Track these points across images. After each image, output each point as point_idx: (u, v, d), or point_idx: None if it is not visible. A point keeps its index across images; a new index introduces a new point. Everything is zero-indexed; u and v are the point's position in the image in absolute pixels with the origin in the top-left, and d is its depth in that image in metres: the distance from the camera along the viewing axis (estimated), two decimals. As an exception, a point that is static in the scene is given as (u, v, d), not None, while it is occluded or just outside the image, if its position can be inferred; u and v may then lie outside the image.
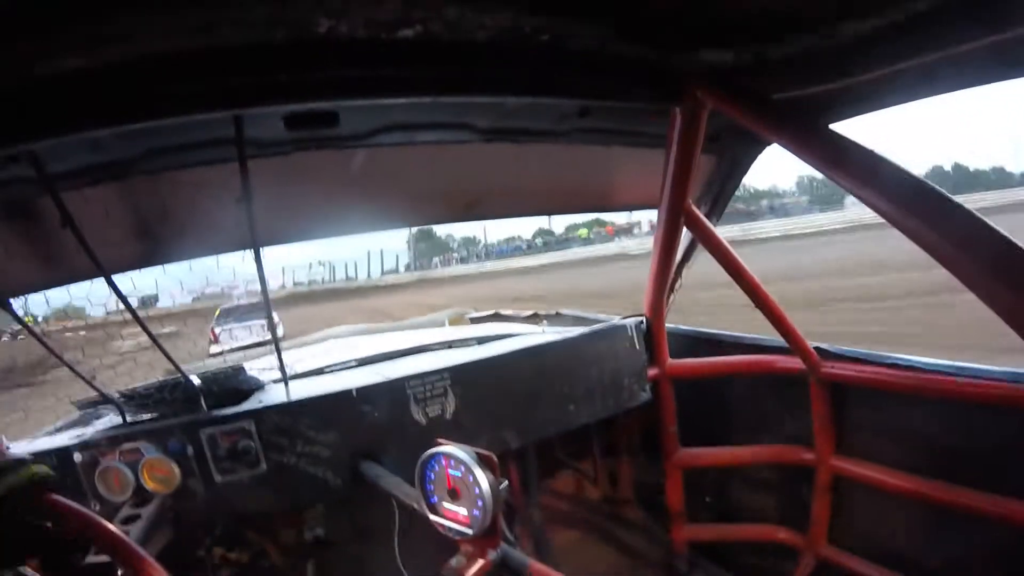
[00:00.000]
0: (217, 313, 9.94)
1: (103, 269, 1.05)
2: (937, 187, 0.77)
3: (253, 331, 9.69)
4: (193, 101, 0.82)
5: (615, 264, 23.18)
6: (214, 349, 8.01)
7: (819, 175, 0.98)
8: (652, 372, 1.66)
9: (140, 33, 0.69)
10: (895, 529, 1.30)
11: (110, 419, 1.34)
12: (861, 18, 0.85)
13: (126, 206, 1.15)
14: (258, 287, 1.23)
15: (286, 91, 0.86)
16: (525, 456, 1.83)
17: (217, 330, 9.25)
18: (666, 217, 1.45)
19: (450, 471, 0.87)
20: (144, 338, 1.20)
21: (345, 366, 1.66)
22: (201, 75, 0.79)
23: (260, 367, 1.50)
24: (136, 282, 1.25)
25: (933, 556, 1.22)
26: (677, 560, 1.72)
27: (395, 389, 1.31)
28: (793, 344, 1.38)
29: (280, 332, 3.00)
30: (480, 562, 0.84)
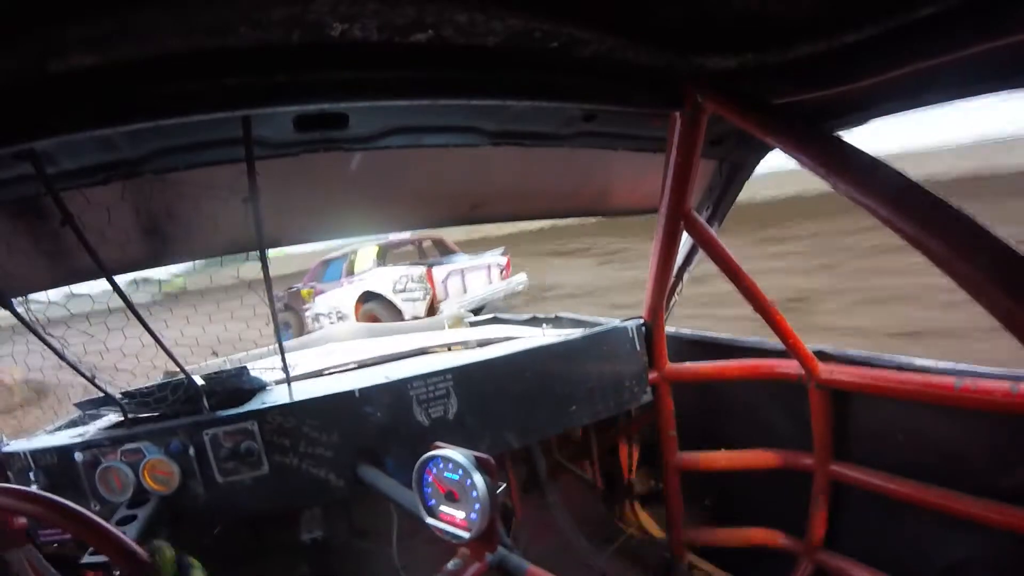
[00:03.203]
0: (354, 259, 7.41)
1: (104, 269, 1.05)
2: (939, 195, 0.77)
3: (492, 274, 7.54)
4: (205, 101, 0.82)
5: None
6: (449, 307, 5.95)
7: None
8: (651, 376, 1.66)
9: (159, 32, 0.70)
10: (893, 534, 1.30)
11: (111, 419, 1.34)
12: (863, 23, 0.85)
13: (132, 205, 1.15)
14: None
15: (298, 92, 0.87)
16: (524, 459, 1.83)
17: (439, 276, 6.78)
18: (665, 221, 1.46)
19: (447, 474, 0.87)
20: None
21: (346, 367, 1.67)
22: (213, 75, 0.79)
23: (262, 368, 1.51)
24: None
25: (931, 562, 1.22)
26: (675, 563, 1.72)
27: (397, 390, 1.31)
28: (792, 349, 1.38)
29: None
30: (477, 565, 0.84)
